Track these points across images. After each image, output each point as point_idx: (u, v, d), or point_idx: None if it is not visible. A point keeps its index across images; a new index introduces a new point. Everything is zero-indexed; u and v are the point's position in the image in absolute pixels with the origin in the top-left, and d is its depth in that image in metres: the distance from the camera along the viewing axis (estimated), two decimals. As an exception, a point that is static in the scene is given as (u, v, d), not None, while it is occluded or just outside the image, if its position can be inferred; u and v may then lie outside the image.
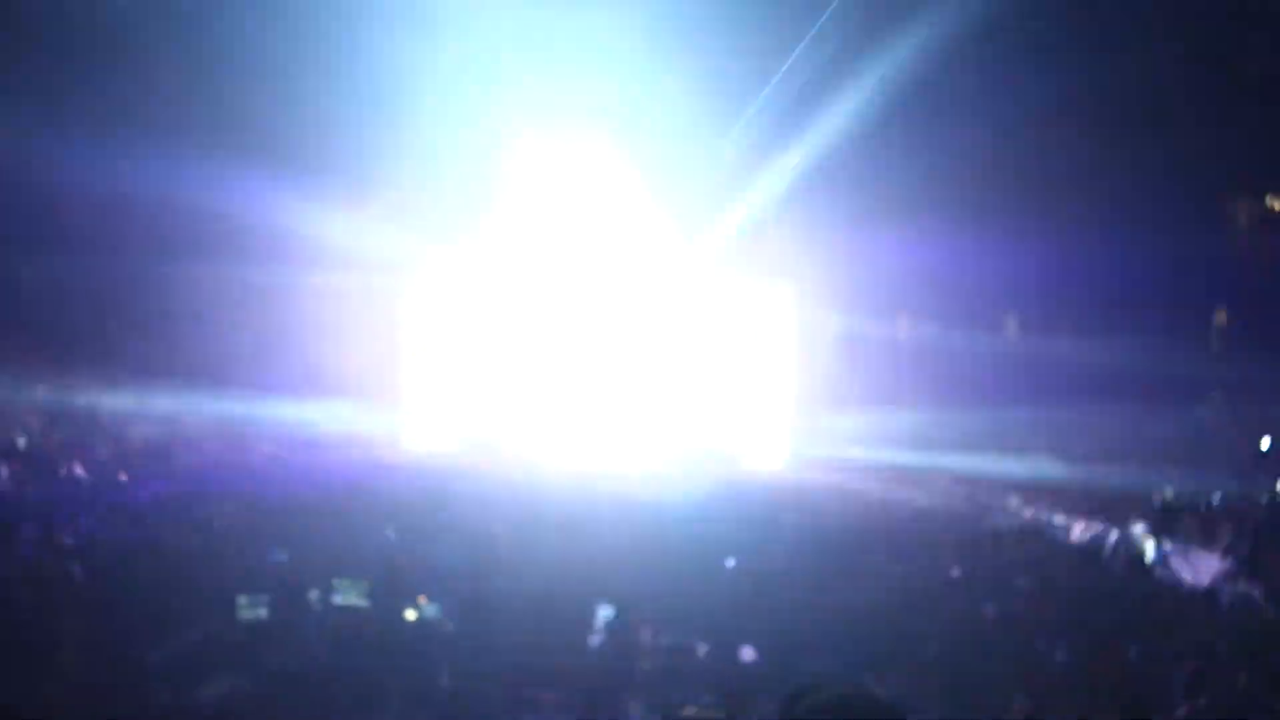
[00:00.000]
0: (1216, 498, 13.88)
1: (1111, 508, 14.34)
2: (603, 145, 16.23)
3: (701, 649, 6.57)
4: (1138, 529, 13.22)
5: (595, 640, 6.71)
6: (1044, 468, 16.80)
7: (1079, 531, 13.91)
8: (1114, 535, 13.27)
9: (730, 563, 8.97)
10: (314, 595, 7.29)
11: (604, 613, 7.07)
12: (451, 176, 18.18)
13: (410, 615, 6.92)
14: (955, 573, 8.68)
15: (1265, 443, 15.23)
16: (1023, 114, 14.59)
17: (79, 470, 12.77)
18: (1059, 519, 14.50)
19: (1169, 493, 13.93)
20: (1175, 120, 13.81)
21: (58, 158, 15.23)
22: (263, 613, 6.88)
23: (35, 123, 15.19)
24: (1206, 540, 12.38)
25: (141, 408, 17.66)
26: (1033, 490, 16.17)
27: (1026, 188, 15.64)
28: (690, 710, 2.82)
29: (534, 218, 20.40)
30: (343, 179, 17.63)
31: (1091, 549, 13.00)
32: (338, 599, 7.17)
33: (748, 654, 6.47)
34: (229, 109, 15.62)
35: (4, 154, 15.49)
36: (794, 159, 16.49)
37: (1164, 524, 13.21)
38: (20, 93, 14.95)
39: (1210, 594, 10.66)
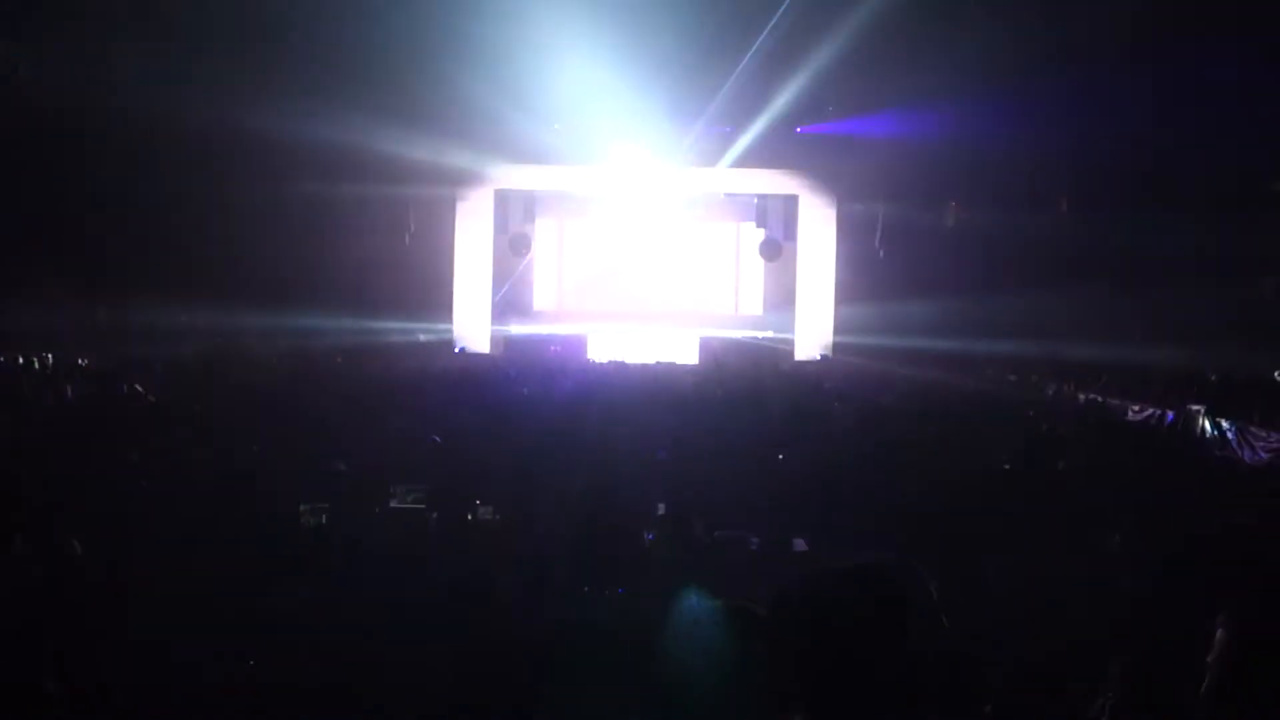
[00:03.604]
0: (1277, 374, 13.69)
1: (1168, 388, 14.21)
2: (631, 41, 16.01)
3: (754, 540, 6.62)
4: (1194, 408, 13.10)
5: (648, 534, 6.76)
6: (1097, 350, 16.63)
7: (1135, 413, 13.81)
8: (1171, 415, 13.17)
9: (781, 456, 9.01)
10: (373, 501, 7.45)
11: (656, 507, 7.14)
12: (494, 94, 18.10)
13: (466, 517, 7.03)
14: (1008, 463, 8.63)
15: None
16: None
17: (141, 388, 13.02)
18: (1114, 401, 14.41)
19: (1227, 370, 13.76)
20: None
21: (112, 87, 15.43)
22: (323, 519, 7.03)
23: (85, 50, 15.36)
24: (1265, 418, 12.25)
25: (200, 324, 18.01)
26: (1086, 372, 16.05)
27: (1073, 59, 15.18)
28: (736, 600, 2.87)
29: (574, 128, 20.33)
30: (386, 96, 17.66)
31: (1149, 430, 12.91)
32: (394, 504, 7.32)
33: (799, 545, 6.54)
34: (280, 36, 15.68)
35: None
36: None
37: (1222, 403, 13.08)
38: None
39: (1272, 470, 10.56)
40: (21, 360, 14.81)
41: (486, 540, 6.81)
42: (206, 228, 18.99)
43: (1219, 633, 3.47)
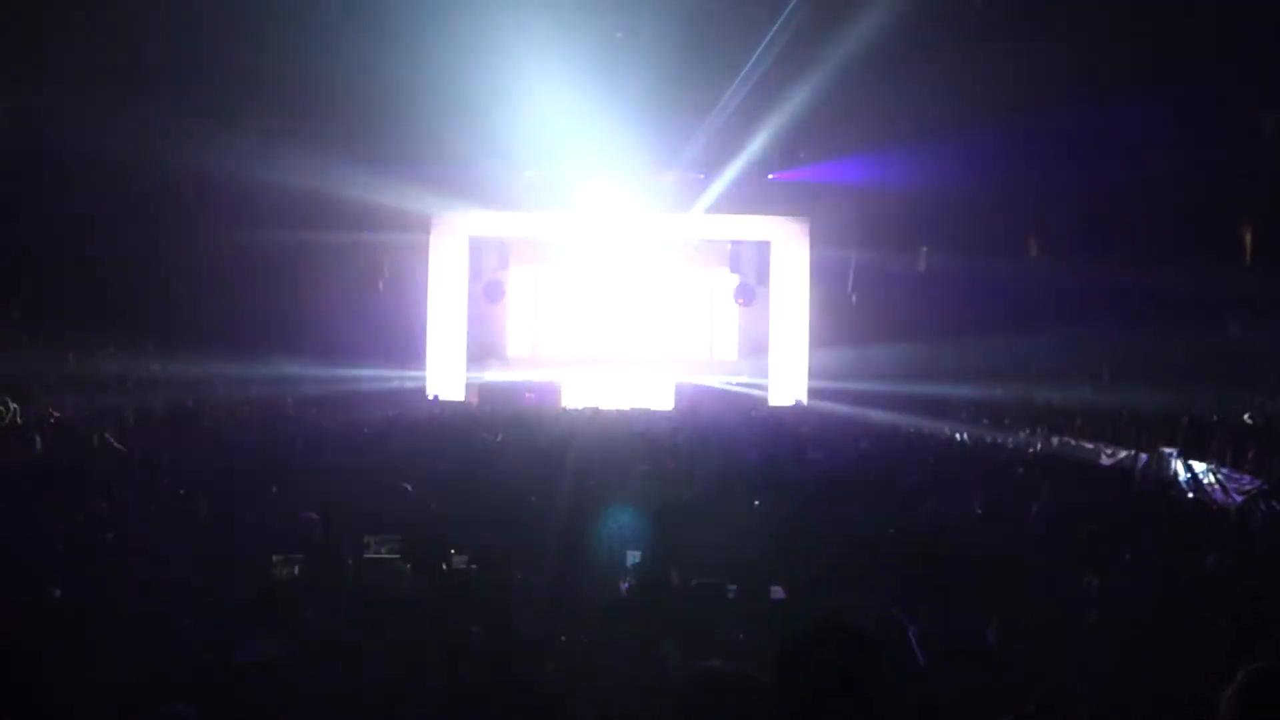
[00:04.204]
0: (1246, 416, 13.80)
1: (1140, 430, 14.30)
2: (605, 87, 16.13)
3: (731, 588, 6.59)
4: (1167, 451, 13.18)
5: (624, 583, 6.72)
6: (1070, 393, 16.73)
7: (1108, 456, 13.89)
8: (1144, 458, 13.24)
9: (756, 502, 9.00)
10: (346, 552, 7.38)
11: (631, 556, 7.11)
12: (467, 140, 18.20)
13: (441, 567, 6.97)
14: (982, 504, 8.66)
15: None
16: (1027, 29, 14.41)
17: (111, 439, 12.89)
18: (1087, 444, 14.49)
19: (1198, 413, 13.85)
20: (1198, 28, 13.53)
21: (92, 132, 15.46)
22: (296, 571, 6.96)
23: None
24: (1237, 459, 12.34)
25: (171, 373, 17.85)
26: (1060, 415, 16.14)
27: (1042, 103, 15.42)
28: (717, 663, 2.83)
29: (548, 174, 20.46)
30: (359, 143, 17.71)
31: (1121, 472, 12.97)
32: (369, 555, 7.25)
33: (777, 593, 6.51)
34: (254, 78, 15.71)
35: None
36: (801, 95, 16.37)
37: (1193, 444, 13.17)
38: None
39: (1242, 513, 10.62)
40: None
41: (462, 589, 6.74)
42: (178, 274, 18.88)
43: (1202, 672, 3.49)
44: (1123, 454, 13.71)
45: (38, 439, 12.86)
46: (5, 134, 15.41)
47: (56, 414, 14.47)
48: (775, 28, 14.87)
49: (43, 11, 14.03)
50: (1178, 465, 12.89)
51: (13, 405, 14.65)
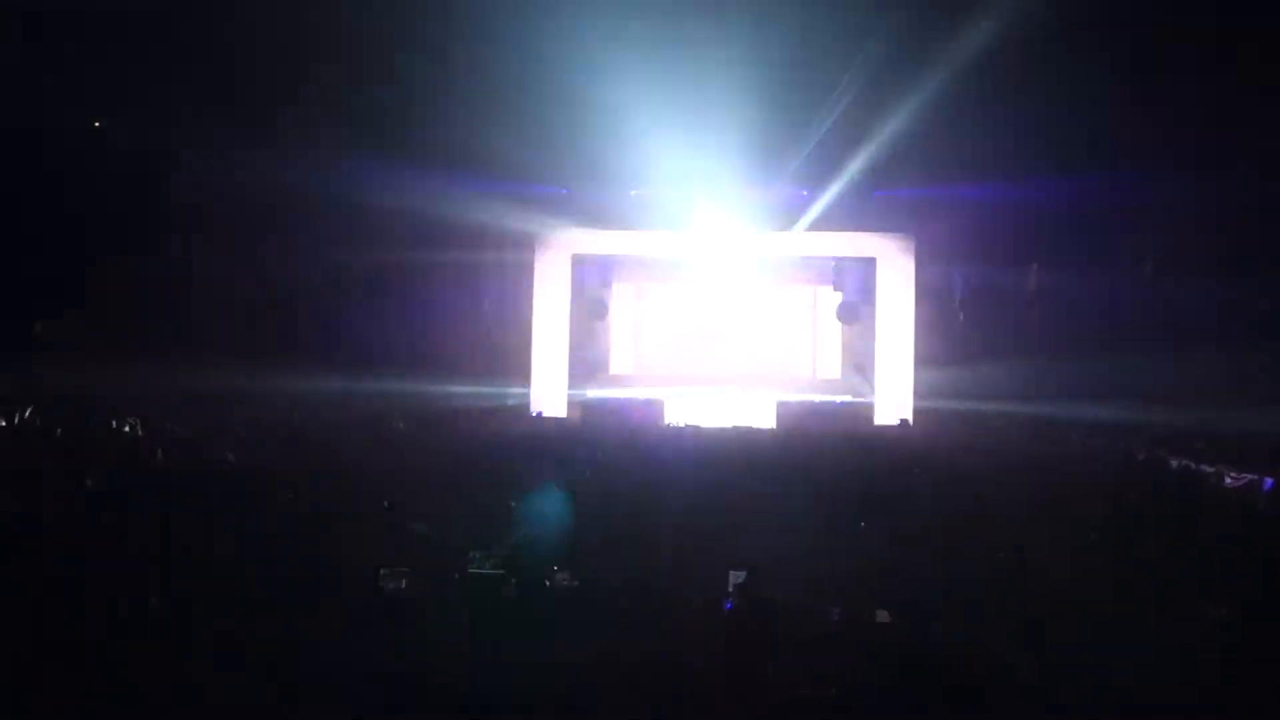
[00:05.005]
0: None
1: (1262, 453, 13.70)
2: (707, 105, 16.14)
3: (835, 612, 6.49)
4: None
5: (727, 604, 6.67)
6: (1188, 414, 16.12)
7: (1232, 479, 13.33)
8: (1269, 483, 12.68)
9: (863, 524, 8.86)
10: (452, 566, 7.47)
11: (735, 576, 7.05)
12: (572, 159, 18.42)
13: (544, 584, 7.01)
14: (1097, 533, 8.38)
15: None
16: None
17: (227, 453, 13.30)
18: (1207, 467, 13.92)
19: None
20: None
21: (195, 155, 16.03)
22: (403, 584, 7.06)
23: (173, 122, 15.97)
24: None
25: (282, 390, 18.36)
26: (1176, 437, 15.56)
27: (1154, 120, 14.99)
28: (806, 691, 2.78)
29: (651, 192, 20.56)
30: (465, 163, 18.04)
31: (1246, 500, 12.45)
32: (473, 569, 7.33)
33: (883, 616, 6.39)
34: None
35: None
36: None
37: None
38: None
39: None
40: (114, 424, 15.20)
41: (563, 605, 6.78)
42: (289, 294, 19.43)
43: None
44: (1246, 478, 13.15)
45: (159, 453, 13.32)
46: (122, 162, 16.07)
47: (175, 430, 15.00)
48: (877, 42, 14.72)
49: (154, 34, 14.50)
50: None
51: (133, 420, 15.24)
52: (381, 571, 7.07)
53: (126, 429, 15.08)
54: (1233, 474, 13.32)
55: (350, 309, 19.72)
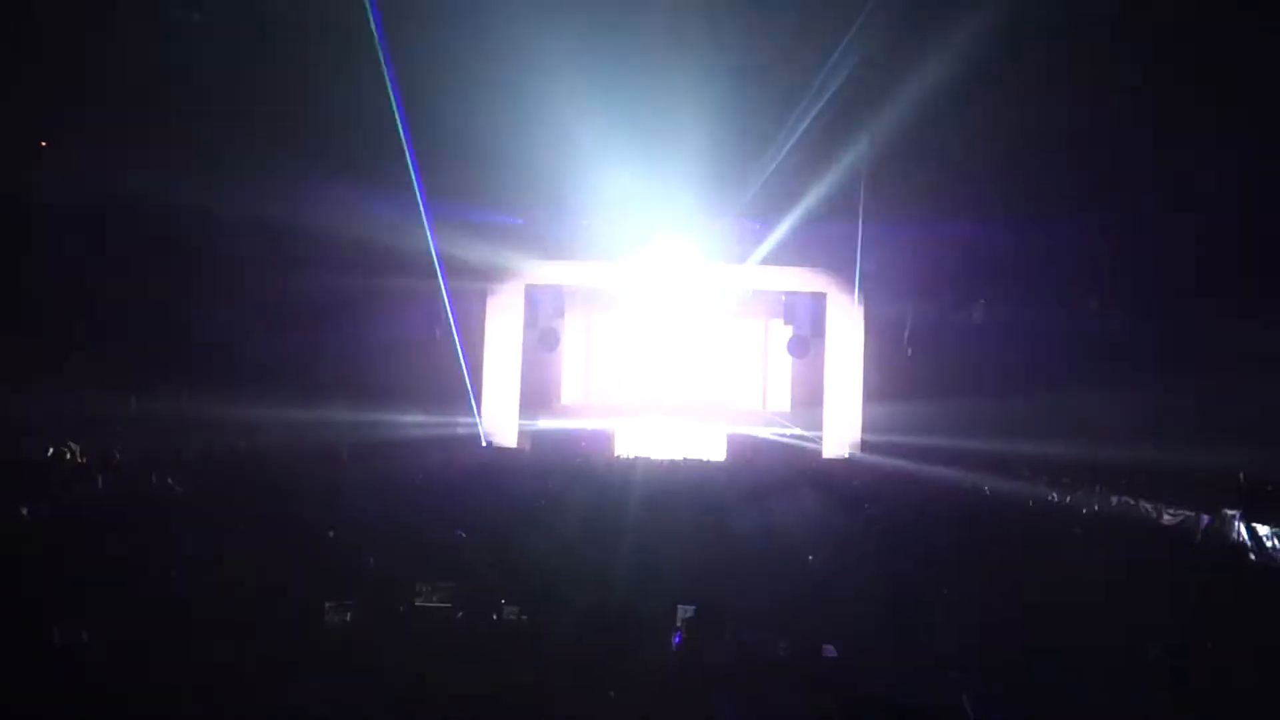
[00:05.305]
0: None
1: (1199, 491, 13.96)
2: (660, 138, 16.30)
3: (782, 645, 6.51)
4: (1228, 512, 12.86)
5: (676, 637, 6.68)
6: (1128, 451, 16.39)
7: (1170, 516, 13.58)
8: (1204, 520, 12.93)
9: (811, 558, 8.91)
10: (398, 599, 7.40)
11: (683, 610, 7.06)
12: (526, 191, 18.50)
13: (491, 616, 6.98)
14: (1041, 567, 8.49)
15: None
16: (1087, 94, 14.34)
17: (169, 479, 13.07)
18: (1146, 504, 14.16)
19: (1257, 473, 13.53)
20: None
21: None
22: (348, 617, 6.99)
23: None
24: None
25: (228, 416, 18.11)
26: (1117, 474, 15.81)
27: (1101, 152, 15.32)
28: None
29: (603, 223, 20.65)
30: (417, 193, 18.03)
31: (1182, 535, 12.68)
32: (420, 602, 7.27)
33: (829, 651, 6.43)
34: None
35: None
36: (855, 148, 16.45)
37: (1256, 506, 12.84)
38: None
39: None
40: (51, 451, 14.90)
41: (511, 640, 6.74)
42: (237, 319, 19.21)
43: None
44: (1184, 514, 13.40)
45: (99, 479, 13.07)
46: (78, 182, 15.86)
47: (117, 454, 14.73)
48: (825, 76, 14.97)
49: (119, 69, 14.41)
50: (1240, 528, 12.58)
51: (73, 445, 14.94)
52: (327, 605, 7.01)
53: (66, 455, 14.79)
54: (1171, 511, 13.57)
55: (299, 337, 19.53)
